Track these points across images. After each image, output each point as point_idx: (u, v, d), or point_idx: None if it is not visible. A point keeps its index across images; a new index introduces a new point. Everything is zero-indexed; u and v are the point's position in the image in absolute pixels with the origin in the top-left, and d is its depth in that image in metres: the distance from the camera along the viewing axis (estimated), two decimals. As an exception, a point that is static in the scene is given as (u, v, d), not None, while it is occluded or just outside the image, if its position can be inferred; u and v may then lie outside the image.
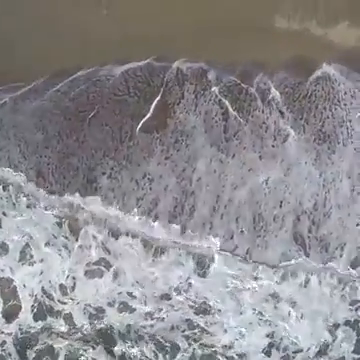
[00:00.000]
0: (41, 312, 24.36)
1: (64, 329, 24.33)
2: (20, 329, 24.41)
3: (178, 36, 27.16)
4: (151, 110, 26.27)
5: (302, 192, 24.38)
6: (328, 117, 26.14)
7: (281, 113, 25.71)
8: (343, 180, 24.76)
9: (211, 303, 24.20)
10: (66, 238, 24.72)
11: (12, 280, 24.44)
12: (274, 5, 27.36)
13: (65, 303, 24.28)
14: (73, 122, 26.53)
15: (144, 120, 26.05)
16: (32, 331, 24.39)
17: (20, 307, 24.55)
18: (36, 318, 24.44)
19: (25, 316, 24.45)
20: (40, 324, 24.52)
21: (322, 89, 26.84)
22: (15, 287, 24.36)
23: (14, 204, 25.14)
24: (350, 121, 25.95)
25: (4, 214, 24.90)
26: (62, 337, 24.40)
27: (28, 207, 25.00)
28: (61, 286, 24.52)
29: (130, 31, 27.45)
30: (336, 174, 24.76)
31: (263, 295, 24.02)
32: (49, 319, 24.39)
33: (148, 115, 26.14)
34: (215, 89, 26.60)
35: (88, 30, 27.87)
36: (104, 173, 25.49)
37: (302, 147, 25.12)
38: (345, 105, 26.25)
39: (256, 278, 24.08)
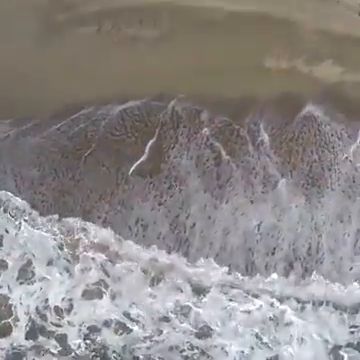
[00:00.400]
0: (33, 332, 22.30)
1: (55, 351, 22.26)
2: (11, 345, 22.33)
3: (174, 75, 25.74)
4: (145, 153, 23.09)
5: (295, 237, 21.25)
6: (315, 161, 23.98)
7: (270, 158, 22.27)
8: (334, 224, 22.51)
9: (211, 326, 22.14)
10: (67, 261, 22.77)
11: (9, 298, 22.40)
12: (264, 46, 26.41)
13: (60, 325, 22.27)
14: (70, 160, 24.33)
15: (137, 163, 22.80)
16: (22, 349, 22.39)
17: (14, 325, 22.48)
18: (28, 337, 22.36)
19: (18, 335, 22.43)
20: (31, 343, 22.48)
21: (308, 131, 24.79)
22: (11, 305, 22.33)
23: (15, 224, 23.30)
24: (337, 164, 23.90)
25: (6, 231, 23.16)
26: (52, 354, 22.29)
27: (29, 228, 23.18)
28: (57, 308, 22.50)
29: (132, 69, 25.93)
30: (327, 218, 22.57)
31: (263, 318, 21.95)
32: (41, 339, 22.28)
33: (142, 158, 22.88)
34: (206, 130, 23.29)
35: (95, 69, 26.25)
36: (99, 217, 22.13)
37: (291, 191, 22.89)
38: (333, 148, 23.41)
39: (255, 301, 22.03)
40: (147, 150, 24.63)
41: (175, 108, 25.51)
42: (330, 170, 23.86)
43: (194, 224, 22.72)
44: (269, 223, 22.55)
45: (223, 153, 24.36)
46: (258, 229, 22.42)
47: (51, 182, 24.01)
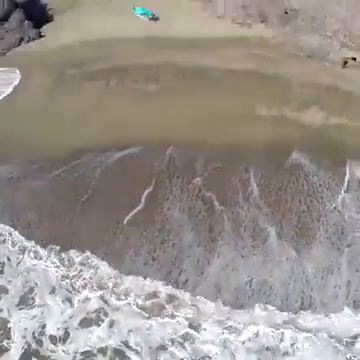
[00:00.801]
0: (28, 355, 19.37)
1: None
2: (6, 367, 20.63)
3: (173, 125, 24.19)
4: (142, 202, 19.89)
5: (287, 292, 18.28)
6: (304, 211, 21.36)
7: (259, 209, 20.31)
8: (325, 276, 19.80)
9: (208, 356, 19.07)
10: (68, 291, 20.17)
11: (8, 321, 19.97)
12: (255, 98, 25.37)
13: (54, 351, 19.45)
14: (67, 206, 21.81)
15: (134, 212, 19.50)
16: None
17: (9, 347, 19.66)
18: (21, 360, 20.47)
19: (12, 356, 19.52)
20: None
21: (296, 180, 22.28)
22: (10, 328, 19.76)
23: (17, 254, 21.13)
24: (325, 215, 21.23)
25: (8, 259, 21.09)
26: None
27: (30, 259, 20.95)
28: (53, 337, 19.64)
29: (134, 119, 24.49)
30: (317, 270, 19.97)
31: (260, 348, 18.92)
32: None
33: (138, 207, 19.65)
34: (199, 180, 21.85)
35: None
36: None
37: (281, 244, 20.65)
38: (321, 198, 20.46)
39: (251, 331, 19.11)
40: (143, 199, 21.54)
41: (172, 155, 23.49)
42: (319, 221, 21.05)
43: (187, 280, 19.92)
44: (260, 279, 19.34)
45: (216, 203, 21.30)
46: (250, 285, 18.97)
47: (47, 227, 21.53)
